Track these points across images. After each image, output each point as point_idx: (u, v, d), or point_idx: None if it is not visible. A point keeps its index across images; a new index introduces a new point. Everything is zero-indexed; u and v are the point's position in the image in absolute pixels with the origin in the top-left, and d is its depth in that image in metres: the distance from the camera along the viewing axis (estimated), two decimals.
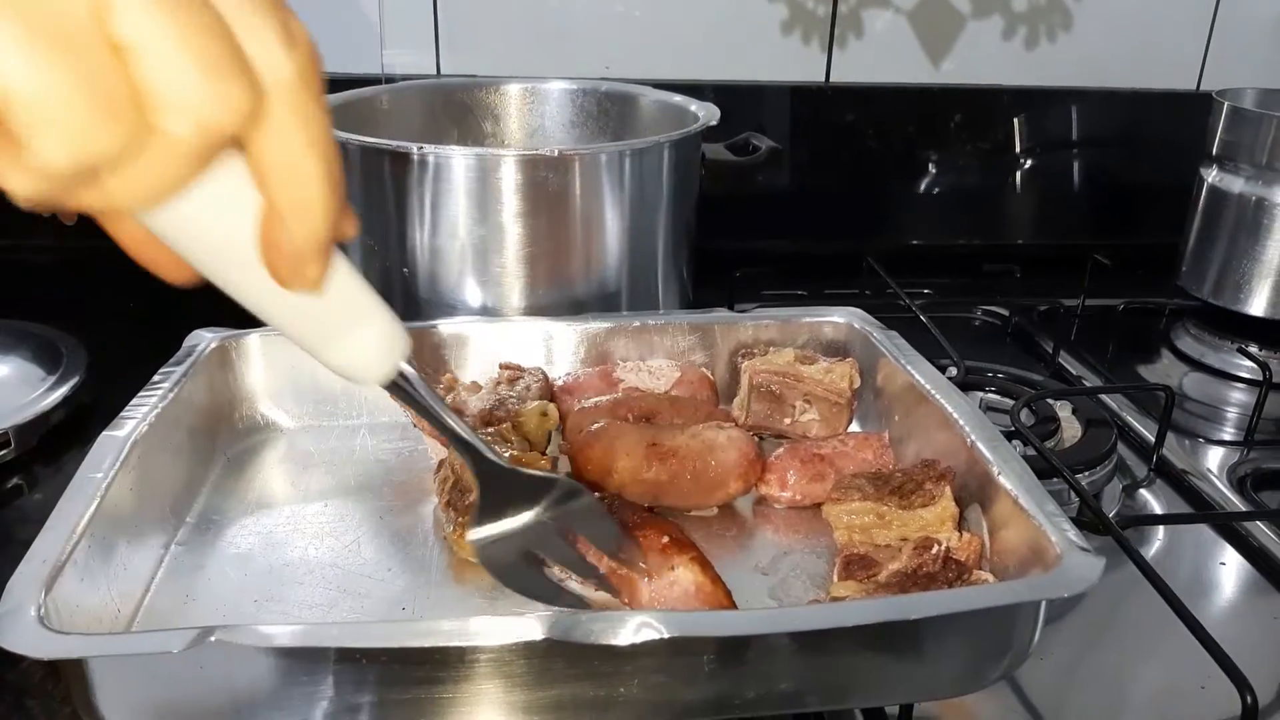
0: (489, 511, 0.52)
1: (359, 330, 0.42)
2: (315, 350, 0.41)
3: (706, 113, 0.90)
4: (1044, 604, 0.50)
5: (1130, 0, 1.23)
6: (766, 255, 1.22)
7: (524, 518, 0.52)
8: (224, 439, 0.71)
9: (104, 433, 0.59)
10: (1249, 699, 0.51)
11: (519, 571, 0.53)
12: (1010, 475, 0.57)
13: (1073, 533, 0.51)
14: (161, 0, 0.29)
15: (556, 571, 0.55)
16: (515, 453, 0.64)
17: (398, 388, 0.45)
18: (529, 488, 0.53)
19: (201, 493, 0.66)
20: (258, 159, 0.33)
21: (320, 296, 0.39)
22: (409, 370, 0.45)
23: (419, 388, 0.46)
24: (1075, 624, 0.63)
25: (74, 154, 0.28)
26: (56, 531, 0.51)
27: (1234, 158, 1.02)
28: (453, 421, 0.49)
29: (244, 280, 0.37)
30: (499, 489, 0.52)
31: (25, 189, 0.29)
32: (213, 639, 0.43)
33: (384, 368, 0.43)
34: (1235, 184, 1.02)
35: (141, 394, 0.63)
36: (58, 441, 0.79)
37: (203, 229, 0.35)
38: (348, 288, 0.40)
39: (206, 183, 0.33)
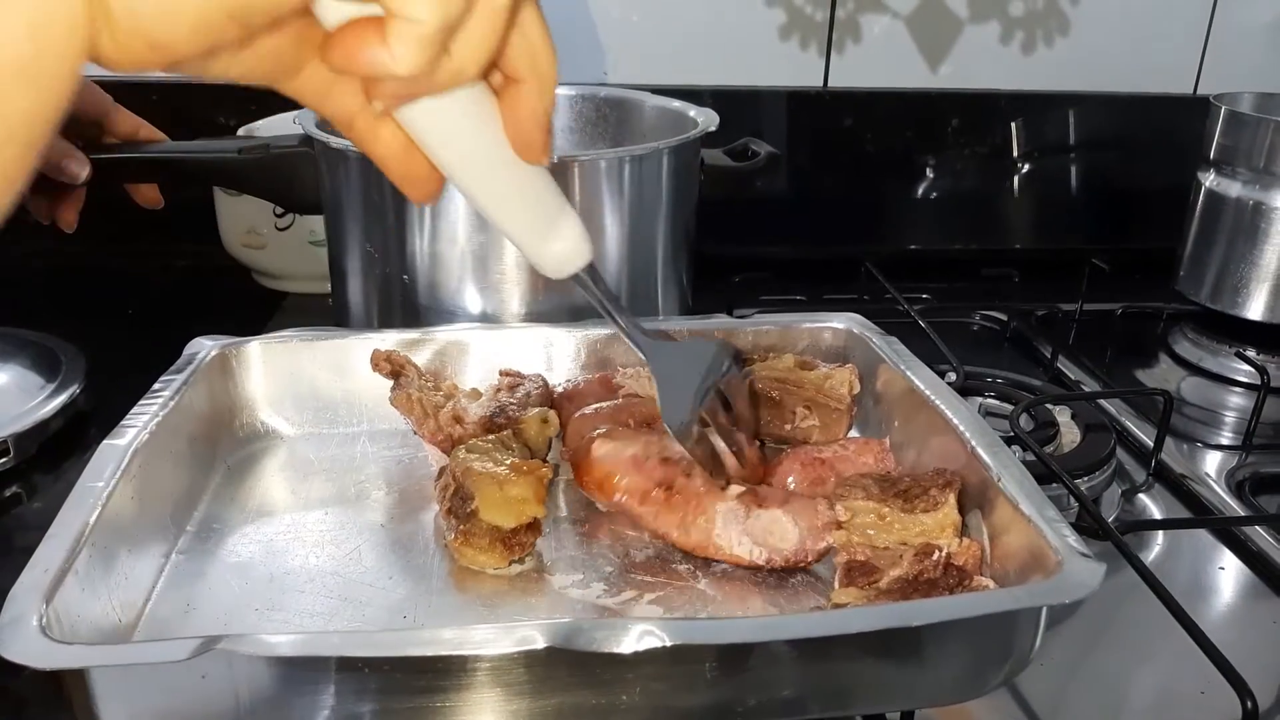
0: (669, 390, 0.58)
1: (564, 220, 0.48)
2: (536, 241, 0.48)
3: (706, 118, 0.90)
4: (1045, 610, 0.50)
5: (1127, 4, 1.23)
6: (765, 260, 1.22)
7: (697, 385, 0.58)
8: (224, 447, 0.71)
9: (105, 441, 0.59)
10: (1249, 704, 0.51)
11: (698, 437, 0.59)
12: (1010, 481, 0.57)
13: (1073, 538, 0.51)
14: None
15: (711, 435, 0.60)
16: (515, 459, 0.64)
17: (588, 276, 0.51)
18: (695, 355, 0.60)
19: (202, 501, 0.66)
20: (518, 38, 0.40)
21: (540, 184, 0.46)
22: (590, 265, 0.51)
23: (597, 278, 0.53)
24: (1074, 629, 0.63)
25: (439, 11, 0.35)
26: (58, 540, 0.51)
27: (1231, 162, 1.02)
28: (621, 318, 0.56)
29: (485, 172, 0.44)
30: (670, 366, 0.58)
31: (407, 59, 0.35)
32: (216, 648, 0.43)
33: (584, 257, 0.50)
34: (1233, 188, 1.02)
35: (142, 402, 0.63)
36: (57, 449, 0.79)
37: (457, 124, 0.42)
38: (549, 181, 0.47)
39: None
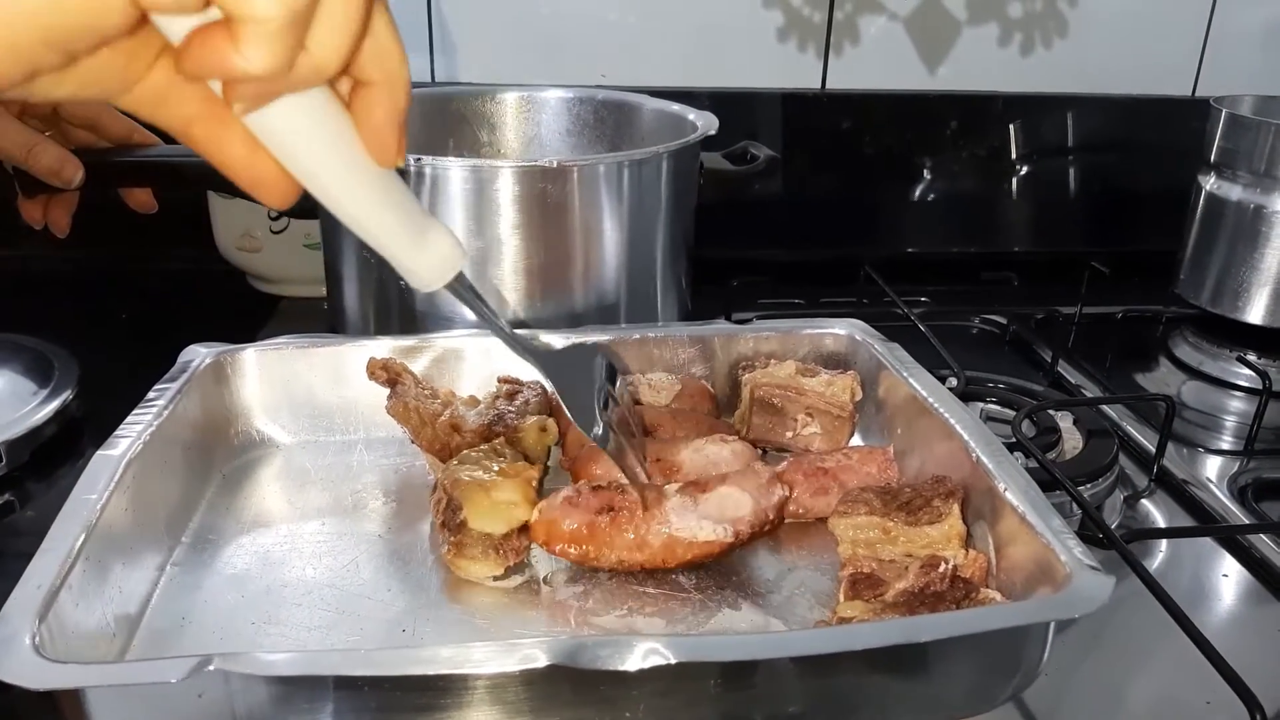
0: (573, 397, 0.57)
1: (432, 231, 0.47)
2: (405, 251, 0.46)
3: (705, 122, 0.89)
4: (1053, 624, 0.49)
5: (1125, 7, 1.23)
6: (763, 264, 1.22)
7: (595, 388, 0.57)
8: (220, 456, 0.70)
9: (98, 452, 0.58)
10: (1258, 716, 0.50)
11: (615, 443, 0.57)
12: (1015, 491, 0.57)
13: (1080, 550, 0.51)
14: None
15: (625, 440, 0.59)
16: (505, 465, 0.63)
17: (460, 287, 0.49)
18: (582, 360, 0.59)
19: (197, 511, 0.65)
20: (368, 40, 0.39)
21: (401, 191, 0.45)
22: (464, 272, 0.50)
23: (472, 288, 0.51)
24: (1077, 637, 0.62)
25: (281, 6, 0.33)
26: (51, 555, 0.50)
27: (1232, 165, 1.02)
28: (502, 323, 0.54)
29: (344, 175, 0.42)
30: (566, 373, 0.57)
31: (260, 58, 0.34)
32: (211, 667, 0.42)
33: (455, 267, 0.48)
34: (1233, 191, 1.02)
35: (136, 411, 0.63)
36: (50, 456, 0.78)
37: (310, 125, 0.40)
38: (408, 190, 0.46)
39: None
